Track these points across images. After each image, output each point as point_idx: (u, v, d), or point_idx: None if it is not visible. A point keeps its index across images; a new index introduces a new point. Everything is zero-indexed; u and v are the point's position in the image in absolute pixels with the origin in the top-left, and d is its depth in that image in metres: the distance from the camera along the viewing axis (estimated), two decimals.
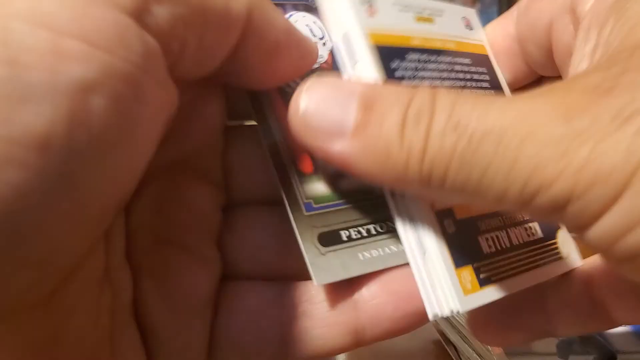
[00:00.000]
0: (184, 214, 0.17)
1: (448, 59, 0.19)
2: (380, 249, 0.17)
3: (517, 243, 0.17)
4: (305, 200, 0.17)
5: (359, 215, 0.17)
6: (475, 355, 0.29)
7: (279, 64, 0.16)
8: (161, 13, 0.12)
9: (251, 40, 0.15)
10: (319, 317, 0.16)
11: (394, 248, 0.17)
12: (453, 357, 0.31)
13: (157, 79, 0.12)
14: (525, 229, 0.18)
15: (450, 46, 0.19)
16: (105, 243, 0.15)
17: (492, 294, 0.16)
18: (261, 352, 0.16)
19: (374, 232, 0.17)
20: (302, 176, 0.17)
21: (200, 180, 0.17)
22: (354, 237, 0.17)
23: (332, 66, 0.18)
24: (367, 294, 0.16)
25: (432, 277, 0.16)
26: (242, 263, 0.18)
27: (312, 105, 0.15)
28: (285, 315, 0.16)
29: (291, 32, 0.16)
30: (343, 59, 0.18)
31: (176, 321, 0.16)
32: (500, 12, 0.65)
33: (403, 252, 0.16)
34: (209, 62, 0.15)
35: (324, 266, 0.16)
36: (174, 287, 0.16)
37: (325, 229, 0.16)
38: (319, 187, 0.17)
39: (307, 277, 0.17)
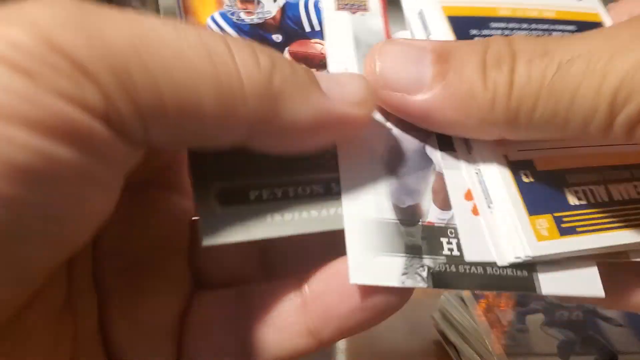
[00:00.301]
0: (153, 234, 0.16)
1: (544, 26, 0.19)
2: (296, 213, 0.15)
3: (620, 199, 0.17)
4: (213, 155, 0.15)
5: (279, 174, 0.15)
6: (475, 355, 0.29)
7: (309, 142, 0.14)
8: (118, 107, 0.11)
9: (265, 135, 0.13)
10: (273, 322, 0.16)
11: (314, 213, 0.15)
12: (453, 358, 0.31)
13: (105, 158, 0.12)
14: (635, 187, 0.17)
15: (549, 15, 0.19)
16: (67, 269, 0.14)
17: (574, 244, 0.15)
18: None
19: (291, 194, 0.15)
20: None
21: (170, 192, 0.17)
22: (265, 197, 0.15)
23: (279, 23, 0.17)
24: (313, 292, 0.15)
25: (498, 228, 0.15)
26: (209, 270, 0.17)
27: (387, 65, 0.15)
28: (245, 324, 0.16)
29: (329, 112, 0.14)
30: (420, 36, 0.18)
31: (145, 345, 0.16)
32: None
33: (325, 218, 0.15)
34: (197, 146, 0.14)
35: (219, 226, 0.14)
36: (142, 311, 0.16)
37: (230, 185, 0.15)
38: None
39: (273, 277, 0.16)
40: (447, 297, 0.33)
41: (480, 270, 0.15)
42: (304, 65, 0.14)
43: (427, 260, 0.15)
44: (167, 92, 0.11)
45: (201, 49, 0.12)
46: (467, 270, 0.15)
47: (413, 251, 0.15)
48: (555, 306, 0.31)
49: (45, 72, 0.11)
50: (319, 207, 0.15)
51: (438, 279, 0.15)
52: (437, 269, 0.15)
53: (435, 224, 0.16)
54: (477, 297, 0.32)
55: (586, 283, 0.16)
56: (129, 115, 0.11)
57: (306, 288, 0.16)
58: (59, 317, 0.14)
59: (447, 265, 0.15)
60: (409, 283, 0.15)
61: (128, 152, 0.12)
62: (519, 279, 0.15)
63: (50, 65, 0.11)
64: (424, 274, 0.15)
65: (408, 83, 0.15)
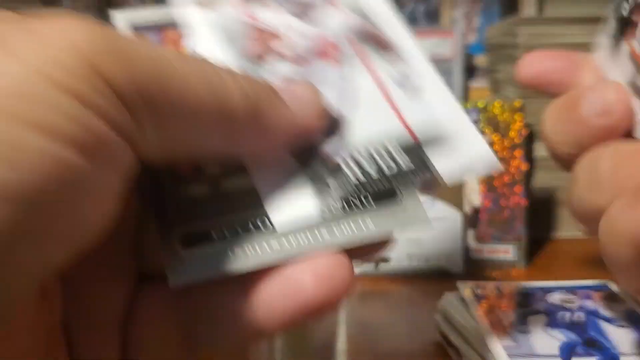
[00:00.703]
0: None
1: None
2: (257, 247, 0.16)
3: None
4: (174, 201, 0.17)
5: (238, 212, 0.17)
6: (477, 357, 0.29)
7: (277, 148, 0.17)
8: (144, 128, 0.13)
9: (247, 142, 0.16)
10: (217, 317, 0.17)
11: (275, 245, 0.16)
12: (454, 359, 0.31)
13: (121, 170, 0.13)
14: None
15: None
16: None
17: None
18: (169, 352, 0.17)
19: (251, 228, 0.17)
20: (176, 177, 0.17)
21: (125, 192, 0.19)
22: (227, 235, 0.16)
23: None
24: (258, 290, 0.16)
25: None
26: (153, 264, 0.18)
27: None
28: (189, 318, 0.17)
29: (296, 125, 0.17)
30: None
31: (93, 334, 0.17)
32: (502, 12, 0.64)
33: (282, 249, 0.16)
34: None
35: (182, 268, 0.16)
36: (90, 301, 0.17)
37: (192, 229, 0.16)
38: (195, 188, 0.17)
39: None
40: (448, 298, 0.33)
41: (383, 179, 0.17)
42: (269, 83, 0.17)
43: (337, 191, 0.17)
44: (180, 113, 0.14)
45: (203, 79, 0.15)
46: (374, 184, 0.17)
47: (322, 189, 0.17)
48: (557, 307, 0.31)
49: (91, 95, 0.12)
50: (280, 238, 0.17)
51: (349, 205, 0.17)
52: (348, 196, 0.17)
53: (335, 160, 0.18)
54: (478, 298, 0.32)
55: (479, 157, 0.17)
56: (151, 133, 0.14)
57: (251, 286, 0.16)
58: (39, 308, 0.15)
59: (355, 190, 0.17)
60: (327, 216, 0.17)
61: (137, 163, 0.14)
62: (413, 167, 0.17)
63: (95, 88, 0.12)
64: (338, 204, 0.17)
65: None
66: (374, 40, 0.20)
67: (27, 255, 0.12)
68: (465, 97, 0.59)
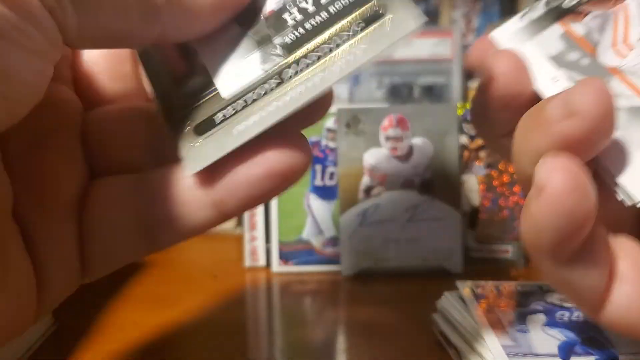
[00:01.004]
0: (50, 117, 0.18)
1: None
2: (255, 116, 0.17)
3: None
4: (179, 98, 0.18)
5: (229, 98, 0.18)
6: (476, 356, 0.29)
7: (210, 21, 0.17)
8: None
9: (176, 22, 0.16)
10: (177, 198, 0.17)
11: (269, 108, 0.17)
12: (454, 359, 0.31)
13: (40, 27, 0.13)
14: None
15: None
16: None
17: None
18: (126, 240, 0.18)
19: (249, 102, 0.17)
20: (176, 77, 0.18)
21: (61, 85, 0.19)
22: (228, 115, 0.17)
23: None
24: (221, 167, 0.17)
25: None
26: (100, 160, 0.19)
27: None
28: (146, 202, 0.17)
29: None
30: None
31: (48, 221, 0.17)
32: (502, 12, 0.64)
33: (278, 108, 0.17)
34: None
35: (197, 155, 0.17)
36: (43, 188, 0.17)
37: (200, 120, 0.17)
38: (193, 82, 0.18)
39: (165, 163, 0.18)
40: (447, 298, 0.33)
41: (320, 9, 0.17)
42: None
43: (278, 39, 0.18)
44: None
45: None
46: (310, 21, 0.17)
47: (264, 41, 0.18)
48: (556, 307, 0.31)
49: None
50: (273, 101, 0.17)
51: (289, 47, 0.18)
52: (287, 40, 0.18)
53: (275, 9, 0.18)
54: (477, 298, 0.32)
55: None
56: (73, 15, 0.14)
57: (212, 165, 0.17)
58: None
59: (294, 32, 0.18)
60: (268, 67, 0.17)
61: (57, 36, 0.14)
62: None
63: None
64: (278, 50, 0.18)
65: None
66: None
67: None
68: (464, 97, 0.59)
